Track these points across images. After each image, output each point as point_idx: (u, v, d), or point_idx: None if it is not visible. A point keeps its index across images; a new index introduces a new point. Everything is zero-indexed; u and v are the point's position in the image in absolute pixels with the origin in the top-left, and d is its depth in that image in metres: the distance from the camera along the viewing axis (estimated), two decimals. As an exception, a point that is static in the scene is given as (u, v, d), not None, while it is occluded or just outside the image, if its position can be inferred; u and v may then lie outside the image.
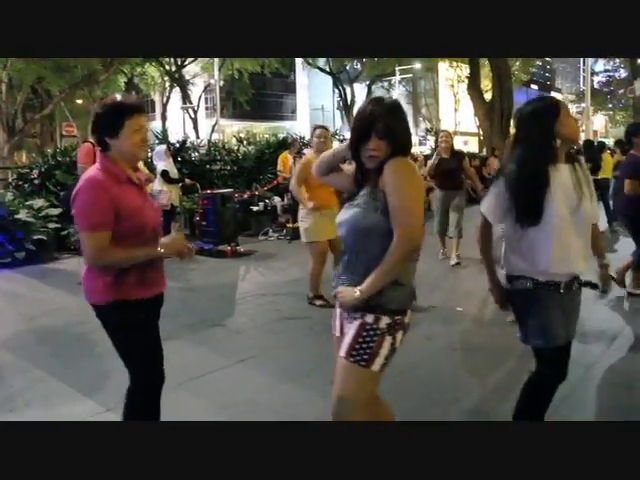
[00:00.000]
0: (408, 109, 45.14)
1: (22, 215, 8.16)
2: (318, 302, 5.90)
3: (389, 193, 2.17)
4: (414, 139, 40.46)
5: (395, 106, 2.33)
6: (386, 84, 42.79)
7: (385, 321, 2.27)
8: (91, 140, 7.07)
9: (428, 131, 35.88)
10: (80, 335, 4.98)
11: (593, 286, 2.83)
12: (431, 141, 21.55)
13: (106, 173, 2.48)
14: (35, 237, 8.18)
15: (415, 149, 25.09)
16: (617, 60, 38.81)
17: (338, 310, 2.49)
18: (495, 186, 2.69)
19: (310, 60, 35.26)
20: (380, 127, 2.24)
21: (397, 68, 38.16)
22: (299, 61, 40.80)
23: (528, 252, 2.64)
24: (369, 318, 2.28)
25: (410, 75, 41.11)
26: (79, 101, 29.96)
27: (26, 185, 9.82)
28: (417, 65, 38.09)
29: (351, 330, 2.32)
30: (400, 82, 41.34)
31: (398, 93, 40.85)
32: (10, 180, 11.31)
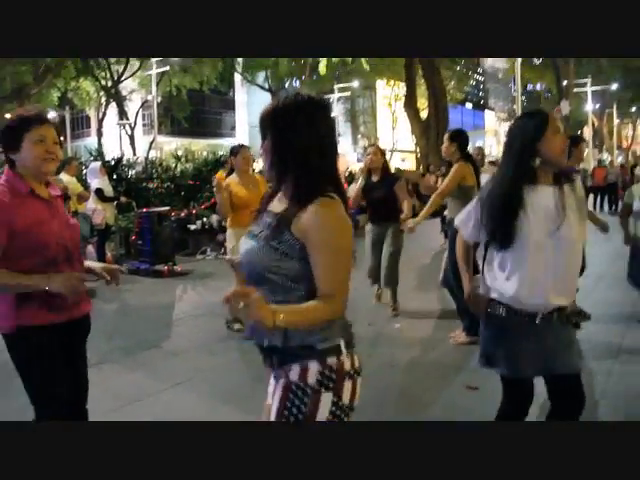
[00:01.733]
0: (347, 127, 45.73)
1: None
2: (236, 326, 5.59)
3: (314, 250, 1.72)
4: (353, 156, 40.98)
5: (286, 105, 1.79)
6: (325, 102, 43.12)
7: (315, 370, 1.76)
8: None
9: (366, 148, 36.35)
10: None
11: (582, 317, 2.60)
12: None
13: (6, 186, 2.40)
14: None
15: (354, 166, 25.35)
16: (543, 84, 40.58)
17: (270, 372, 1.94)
18: (473, 201, 2.61)
19: (249, 77, 35.33)
20: (262, 130, 1.84)
21: (336, 86, 38.60)
22: (238, 78, 40.80)
23: (500, 276, 2.49)
24: (293, 374, 1.78)
25: (349, 93, 41.62)
26: (8, 116, 29.05)
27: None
28: (355, 84, 38.63)
29: (277, 392, 1.83)
30: (339, 100, 41.79)
31: (337, 111, 41.29)
32: None
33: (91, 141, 36.01)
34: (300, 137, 1.75)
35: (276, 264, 1.76)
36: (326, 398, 1.76)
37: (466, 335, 5.11)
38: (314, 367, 1.76)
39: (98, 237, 8.78)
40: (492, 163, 12.73)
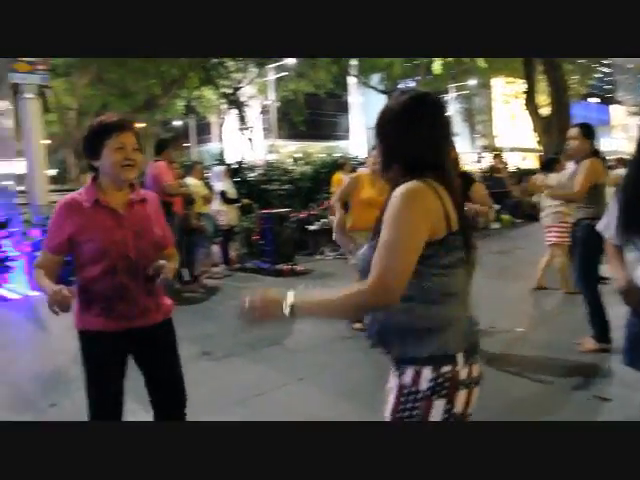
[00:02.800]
0: (464, 127, 44.77)
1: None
2: (357, 325, 5.54)
3: (383, 227, 1.68)
4: (470, 157, 40.05)
5: (398, 105, 1.79)
6: (440, 101, 42.47)
7: (427, 377, 1.73)
8: (159, 158, 7.13)
9: (485, 148, 35.44)
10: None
11: None
12: (488, 158, 21.24)
13: (81, 195, 2.50)
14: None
15: (472, 168, 24.86)
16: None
17: None
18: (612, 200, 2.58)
19: (364, 79, 35.49)
20: (375, 131, 1.85)
21: (451, 85, 37.91)
22: (352, 81, 41.11)
23: None
24: (407, 377, 1.77)
25: (466, 92, 40.71)
26: (140, 125, 30.88)
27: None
28: (472, 82, 37.75)
29: (392, 392, 1.85)
30: (455, 99, 40.97)
31: (453, 110, 40.57)
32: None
33: (213, 146, 37.59)
34: (405, 134, 1.75)
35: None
36: (438, 405, 1.73)
37: (595, 342, 4.86)
38: (427, 373, 1.73)
39: (222, 237, 9.16)
40: (621, 161, 12.01)
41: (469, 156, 39.82)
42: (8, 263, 7.73)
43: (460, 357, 1.75)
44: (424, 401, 1.74)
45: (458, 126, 42.33)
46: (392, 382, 1.86)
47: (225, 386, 4.46)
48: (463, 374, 1.75)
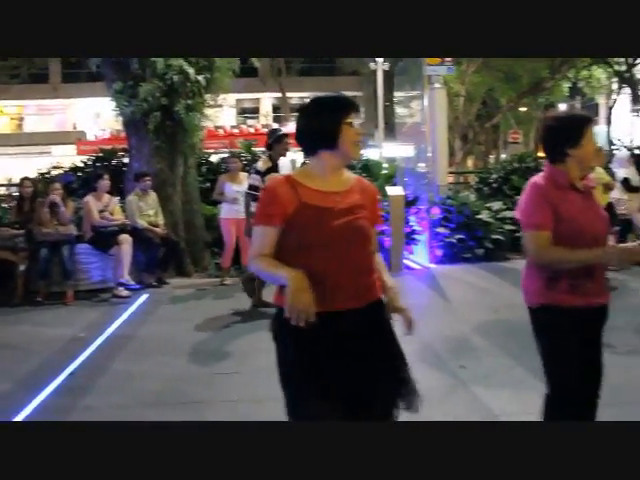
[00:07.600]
0: None
1: (483, 215, 8.95)
2: None
3: None
4: None
5: None
6: None
7: None
8: None
9: None
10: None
11: None
12: None
13: (549, 180, 2.66)
14: (493, 237, 8.90)
15: None
16: None
17: None
18: None
19: None
20: None
21: None
22: None
23: None
24: None
25: None
26: (522, 109, 30.72)
27: (485, 188, 10.73)
28: None
29: None
30: None
31: None
32: (472, 183, 12.55)
33: (600, 129, 35.20)
34: None
35: None
36: None
37: None
38: None
39: (620, 227, 8.70)
40: None
41: None
42: (414, 236, 8.65)
43: None
44: None
45: None
46: None
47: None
48: None
